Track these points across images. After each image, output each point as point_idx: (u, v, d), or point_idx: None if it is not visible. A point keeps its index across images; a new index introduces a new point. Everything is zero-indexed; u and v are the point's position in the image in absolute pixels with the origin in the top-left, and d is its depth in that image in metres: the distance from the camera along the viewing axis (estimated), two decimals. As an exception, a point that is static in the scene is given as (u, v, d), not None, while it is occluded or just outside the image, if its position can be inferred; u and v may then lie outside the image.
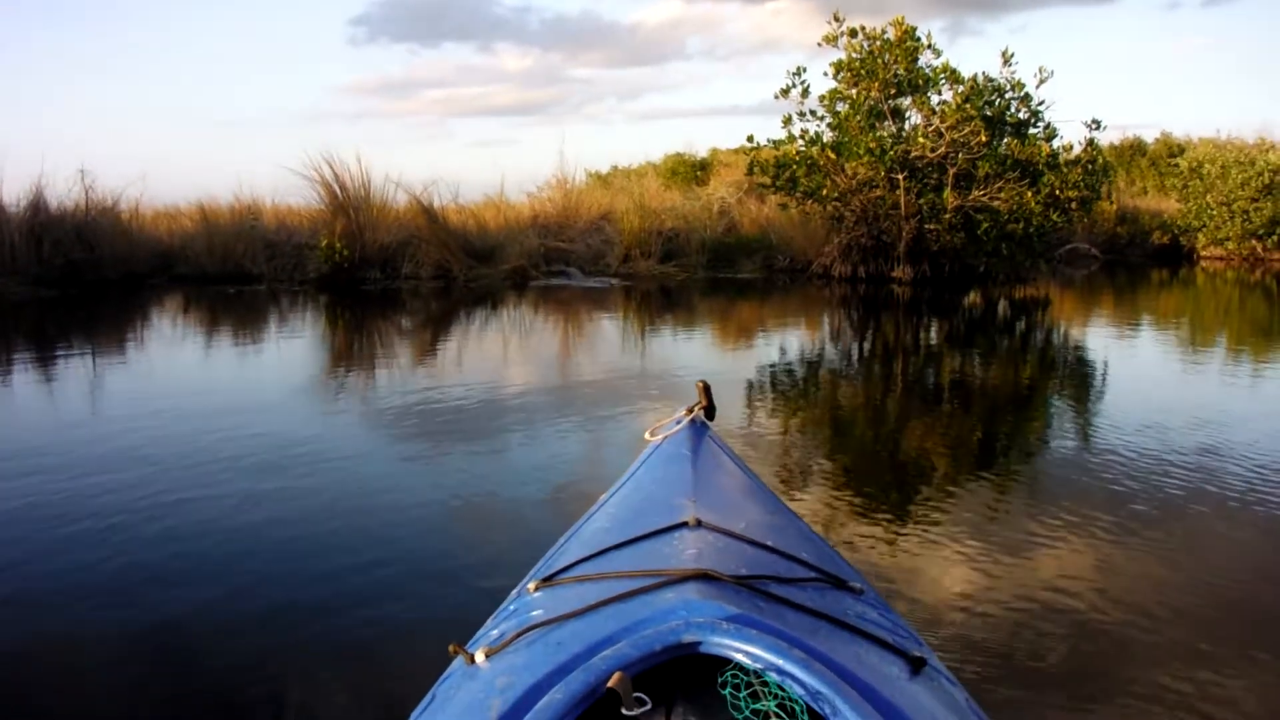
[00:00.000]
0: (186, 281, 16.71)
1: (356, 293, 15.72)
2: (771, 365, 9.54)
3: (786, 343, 11.22)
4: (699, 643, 1.46)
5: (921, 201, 16.20)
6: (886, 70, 15.95)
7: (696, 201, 20.80)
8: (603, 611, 1.61)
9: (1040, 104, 16.49)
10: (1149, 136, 33.29)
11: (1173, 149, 31.87)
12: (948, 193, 16.00)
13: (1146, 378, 9.24)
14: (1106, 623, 3.56)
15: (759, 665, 1.41)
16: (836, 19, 16.31)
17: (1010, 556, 4.20)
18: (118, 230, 16.89)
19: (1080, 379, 9.10)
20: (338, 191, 16.51)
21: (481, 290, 16.11)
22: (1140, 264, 24.59)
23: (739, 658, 1.43)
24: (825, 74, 16.87)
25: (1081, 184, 16.05)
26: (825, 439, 6.74)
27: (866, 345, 11.11)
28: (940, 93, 16.29)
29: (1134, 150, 33.49)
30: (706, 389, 2.81)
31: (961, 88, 15.84)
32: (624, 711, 1.38)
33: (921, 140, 15.85)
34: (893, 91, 16.17)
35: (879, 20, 16.86)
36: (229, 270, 16.83)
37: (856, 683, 1.42)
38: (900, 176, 15.97)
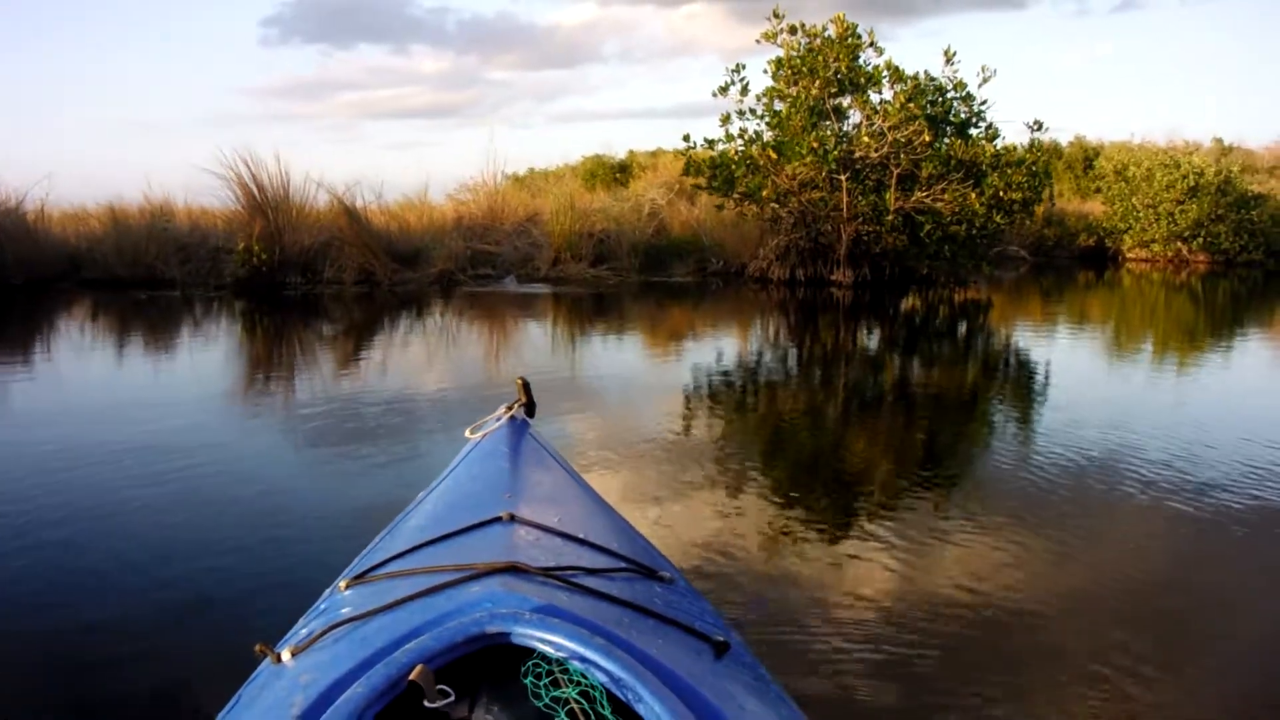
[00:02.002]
0: (95, 286, 15.88)
1: (276, 298, 15.07)
2: (713, 372, 9.24)
3: (725, 349, 10.96)
4: (503, 634, 1.47)
5: (863, 203, 15.95)
6: (827, 68, 15.66)
7: (626, 203, 20.40)
8: (409, 606, 1.61)
9: (983, 104, 16.39)
10: (1063, 140, 33.66)
11: (1088, 153, 32.32)
12: (890, 194, 15.79)
13: (1080, 379, 9.23)
14: (977, 614, 3.68)
15: (561, 654, 1.44)
16: (776, 15, 16.01)
17: (903, 554, 4.30)
18: (22, 232, 16.02)
19: (1020, 383, 8.99)
20: (255, 191, 15.81)
21: (407, 295, 15.56)
22: (1067, 266, 24.84)
23: (542, 647, 1.45)
24: (765, 71, 16.56)
25: (1025, 185, 15.90)
26: (758, 446, 6.52)
27: (809, 351, 10.88)
28: (881, 91, 16.06)
29: (1050, 153, 33.84)
30: (526, 386, 2.82)
31: (904, 86, 15.59)
32: (426, 704, 1.39)
33: (866, 140, 15.58)
34: (834, 90, 15.90)
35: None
36: (140, 274, 16.03)
37: (658, 668, 1.45)
38: (843, 178, 15.72)
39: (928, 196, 15.72)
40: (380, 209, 17.91)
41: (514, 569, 1.68)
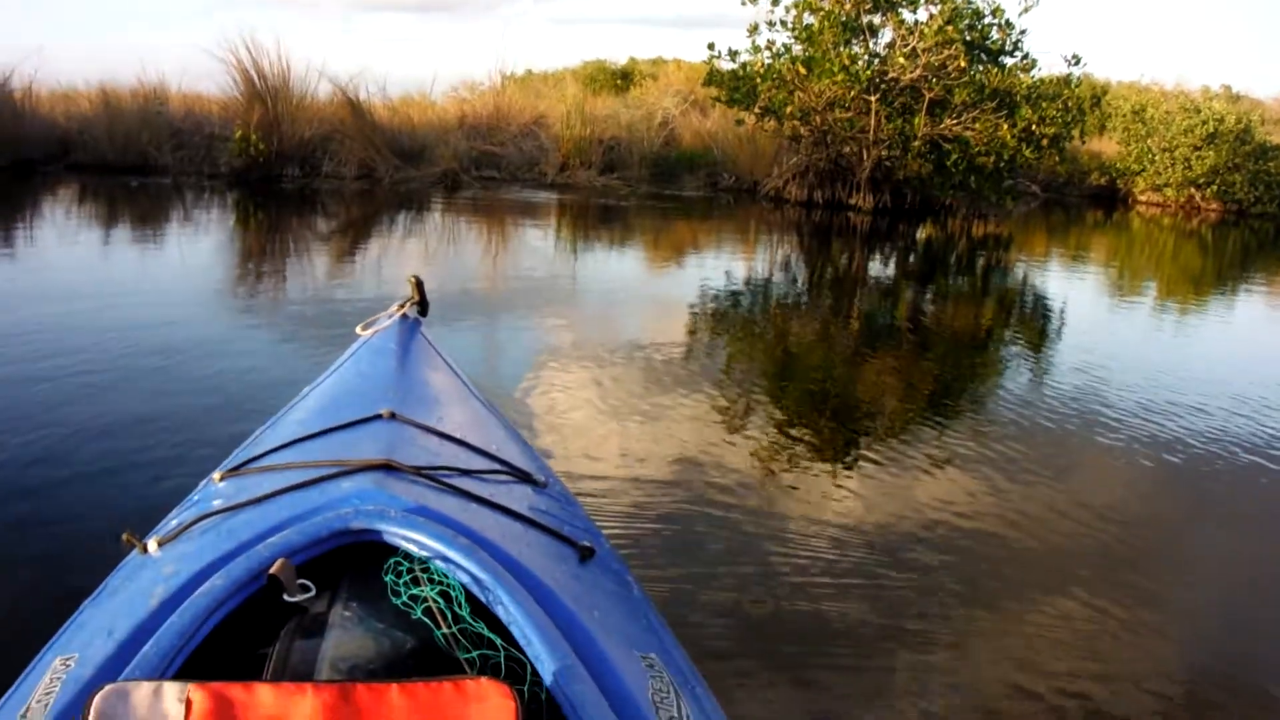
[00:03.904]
0: (84, 170, 15.20)
1: (272, 190, 14.48)
2: (727, 290, 8.87)
3: (743, 268, 10.53)
4: (370, 530, 1.49)
5: (889, 127, 15.30)
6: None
7: (637, 110, 19.71)
8: (278, 500, 1.62)
9: (1021, 33, 15.66)
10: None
11: (1095, 90, 31.61)
12: (920, 119, 15.15)
13: (1099, 324, 8.95)
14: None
15: (425, 553, 1.46)
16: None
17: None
18: (9, 111, 15.23)
19: (1034, 327, 8.65)
20: (255, 78, 15.10)
21: (409, 193, 14.98)
22: (1077, 204, 24.36)
23: (406, 545, 1.47)
24: None
25: (1059, 120, 15.24)
26: (755, 369, 6.38)
27: (832, 275, 10.45)
28: (915, 10, 15.32)
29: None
30: (419, 284, 2.76)
31: (941, 7, 14.86)
32: (285, 598, 1.39)
33: (900, 61, 14.88)
34: (867, 6, 15.17)
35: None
36: (131, 160, 15.34)
37: (519, 571, 1.48)
38: (872, 99, 15.06)
39: (958, 124, 15.08)
40: (384, 104, 17.24)
41: (388, 466, 1.69)
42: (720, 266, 10.48)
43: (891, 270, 11.16)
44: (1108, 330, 8.56)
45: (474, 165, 17.14)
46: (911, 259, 12.25)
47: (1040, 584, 3.46)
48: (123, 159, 15.37)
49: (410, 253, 9.91)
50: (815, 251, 12.43)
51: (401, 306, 2.71)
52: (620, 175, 17.94)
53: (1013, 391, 6.01)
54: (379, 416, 2.00)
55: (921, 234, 14.58)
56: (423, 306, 2.78)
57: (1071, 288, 10.92)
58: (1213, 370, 7.12)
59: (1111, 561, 3.71)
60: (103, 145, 15.46)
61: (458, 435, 2.04)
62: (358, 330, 2.68)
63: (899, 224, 15.30)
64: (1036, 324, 8.56)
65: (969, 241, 14.38)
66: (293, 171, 15.44)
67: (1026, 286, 10.72)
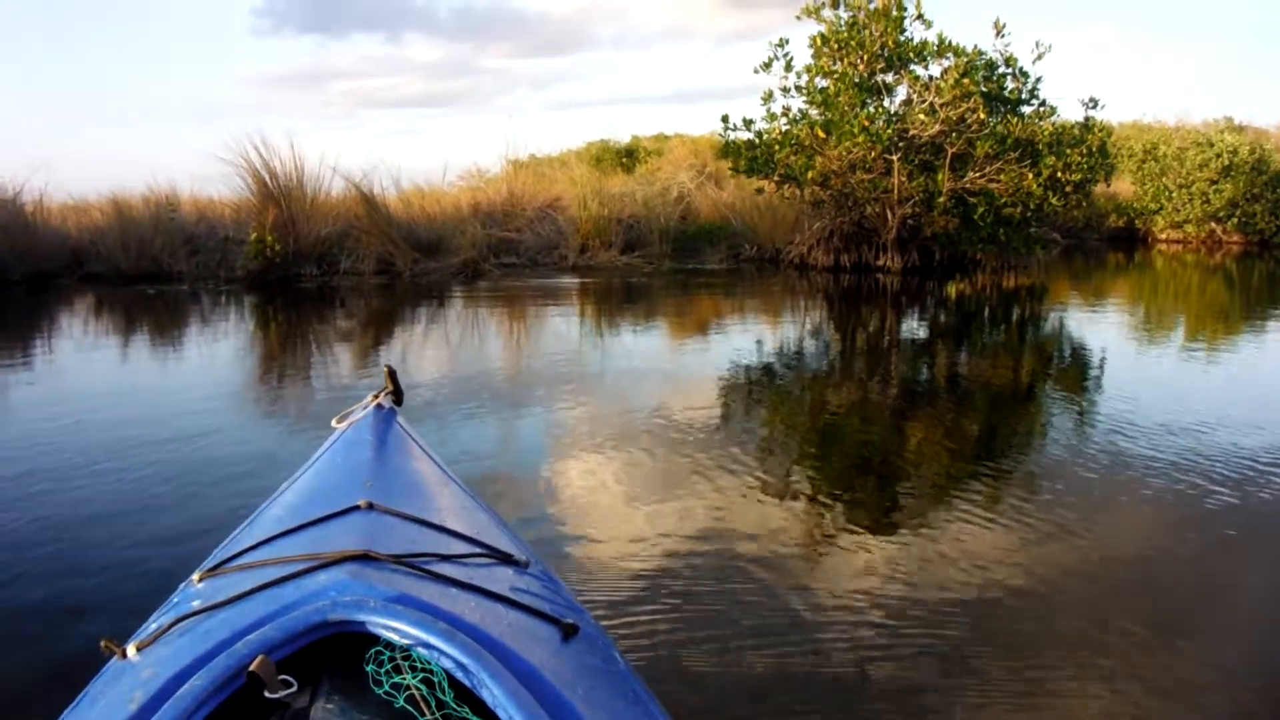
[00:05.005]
0: (99, 281, 15.03)
1: (291, 290, 14.21)
2: (787, 362, 8.46)
3: (794, 339, 10.13)
4: (349, 622, 1.47)
5: (913, 185, 15.04)
6: (873, 43, 14.76)
7: (652, 187, 19.53)
8: (256, 598, 1.60)
9: (1037, 80, 15.45)
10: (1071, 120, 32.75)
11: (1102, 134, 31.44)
12: (943, 174, 14.89)
13: (1150, 376, 8.43)
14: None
15: (406, 641, 1.45)
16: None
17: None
18: (20, 225, 15.11)
19: (1069, 380, 8.18)
20: (267, 179, 14.95)
21: (429, 285, 14.71)
22: (1097, 248, 24.08)
23: (387, 634, 1.47)
24: (808, 48, 15.54)
25: (1084, 165, 14.93)
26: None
27: (867, 340, 10.08)
28: (927, 66, 15.14)
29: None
30: (392, 374, 2.80)
31: (956, 60, 14.65)
32: (267, 695, 1.38)
33: (921, 118, 14.64)
34: (880, 65, 15.00)
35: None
36: (146, 268, 15.20)
37: (502, 652, 1.48)
38: (894, 158, 14.83)
39: (982, 177, 14.79)
40: (399, 197, 17.09)
41: (366, 557, 1.68)
42: (750, 337, 10.14)
43: (923, 330, 10.82)
44: (1146, 378, 8.14)
45: (492, 253, 16.92)
46: (943, 316, 11.90)
47: (1082, 651, 3.25)
48: (137, 267, 15.23)
49: (432, 344, 9.60)
50: (845, 315, 12.12)
51: (376, 397, 2.72)
52: (642, 253, 17.70)
53: (1050, 451, 5.64)
54: (356, 508, 1.99)
55: (952, 290, 14.23)
56: (397, 395, 2.78)
57: (1103, 335, 10.51)
58: (1258, 416, 6.60)
59: (1155, 625, 3.45)
60: (116, 255, 15.31)
61: (436, 521, 2.03)
62: (333, 423, 2.67)
63: (928, 282, 14.96)
64: (1072, 377, 8.16)
65: (999, 294, 14.03)
66: (311, 270, 15.22)
67: (1058, 337, 10.36)
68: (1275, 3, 51.99)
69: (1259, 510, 4.58)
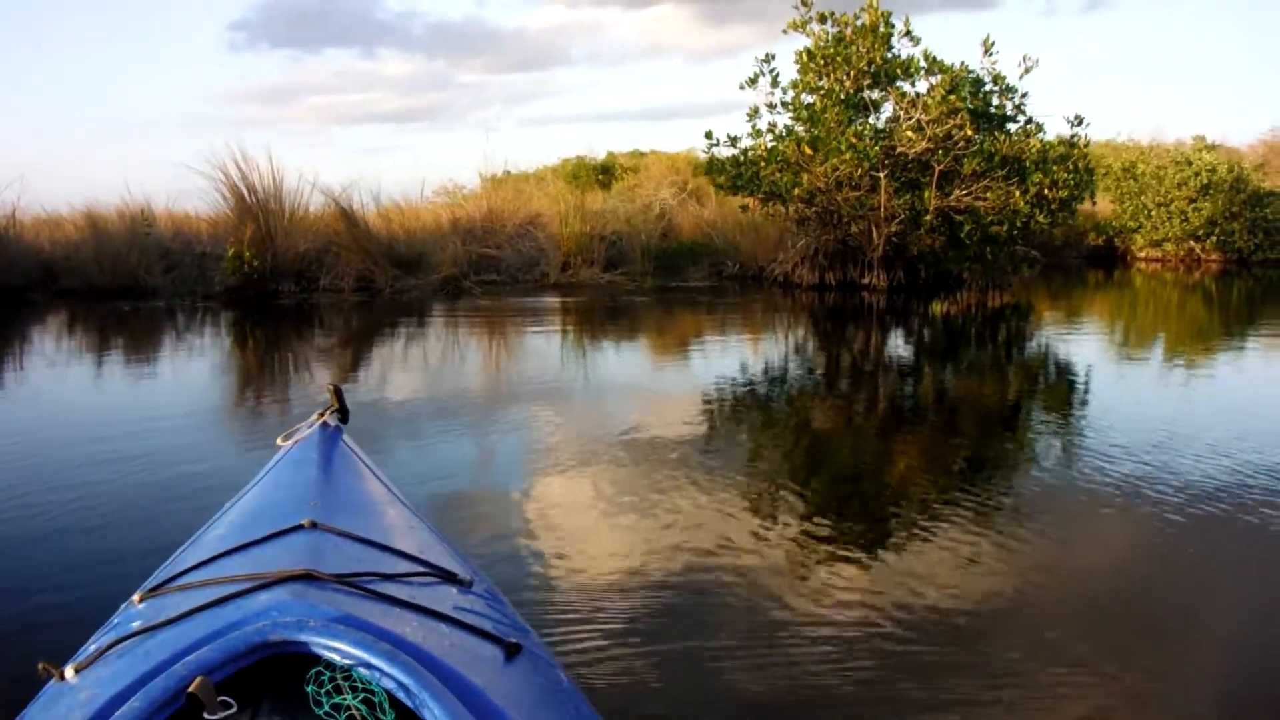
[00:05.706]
0: (73, 296, 14.79)
1: (269, 307, 14.02)
2: (798, 387, 8.35)
3: (771, 355, 10.02)
4: (290, 642, 1.46)
5: (899, 202, 14.97)
6: (860, 59, 14.71)
7: (633, 204, 19.43)
8: (195, 618, 1.59)
9: (1023, 97, 15.39)
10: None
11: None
12: (929, 192, 14.84)
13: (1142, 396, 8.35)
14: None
15: (348, 661, 1.44)
16: (805, 3, 15.04)
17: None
18: (-9, 239, 14.87)
19: (1053, 400, 8.10)
20: (245, 193, 14.77)
21: (409, 303, 14.55)
22: (1076, 266, 24.15)
23: (328, 654, 1.45)
24: (794, 63, 15.54)
25: (1070, 182, 14.87)
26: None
27: (851, 360, 9.99)
28: (914, 83, 15.10)
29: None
30: (338, 392, 2.78)
31: (942, 77, 14.59)
32: (206, 716, 1.36)
33: (909, 135, 14.58)
34: (867, 82, 14.94)
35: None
36: (121, 283, 14.95)
37: (444, 672, 1.47)
38: (881, 175, 14.76)
39: (968, 194, 14.75)
40: (378, 212, 16.92)
41: (308, 576, 1.67)
42: (733, 356, 10.05)
43: (908, 349, 10.77)
44: (1129, 397, 8.14)
45: (473, 270, 16.75)
46: (928, 335, 11.85)
47: (1057, 668, 3.19)
48: (112, 283, 14.98)
49: (411, 365, 9.48)
50: (829, 334, 12.05)
51: (321, 415, 2.70)
52: (624, 271, 17.58)
53: (1031, 471, 5.61)
54: (300, 527, 1.98)
55: (937, 308, 14.18)
56: (343, 414, 2.77)
57: (1084, 353, 10.47)
58: (1246, 435, 6.49)
59: (1143, 645, 3.41)
60: (91, 270, 15.08)
61: (380, 540, 2.02)
62: (278, 441, 2.64)
63: (913, 300, 14.92)
64: (1055, 397, 8.11)
65: (984, 313, 14.00)
66: (289, 287, 15.02)
67: (1040, 356, 10.35)
68: (1248, 26, 52.63)
69: (1238, 526, 4.56)
